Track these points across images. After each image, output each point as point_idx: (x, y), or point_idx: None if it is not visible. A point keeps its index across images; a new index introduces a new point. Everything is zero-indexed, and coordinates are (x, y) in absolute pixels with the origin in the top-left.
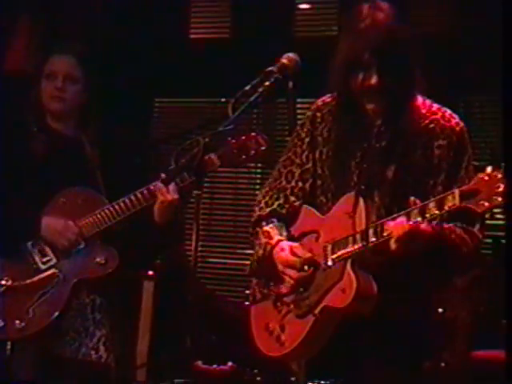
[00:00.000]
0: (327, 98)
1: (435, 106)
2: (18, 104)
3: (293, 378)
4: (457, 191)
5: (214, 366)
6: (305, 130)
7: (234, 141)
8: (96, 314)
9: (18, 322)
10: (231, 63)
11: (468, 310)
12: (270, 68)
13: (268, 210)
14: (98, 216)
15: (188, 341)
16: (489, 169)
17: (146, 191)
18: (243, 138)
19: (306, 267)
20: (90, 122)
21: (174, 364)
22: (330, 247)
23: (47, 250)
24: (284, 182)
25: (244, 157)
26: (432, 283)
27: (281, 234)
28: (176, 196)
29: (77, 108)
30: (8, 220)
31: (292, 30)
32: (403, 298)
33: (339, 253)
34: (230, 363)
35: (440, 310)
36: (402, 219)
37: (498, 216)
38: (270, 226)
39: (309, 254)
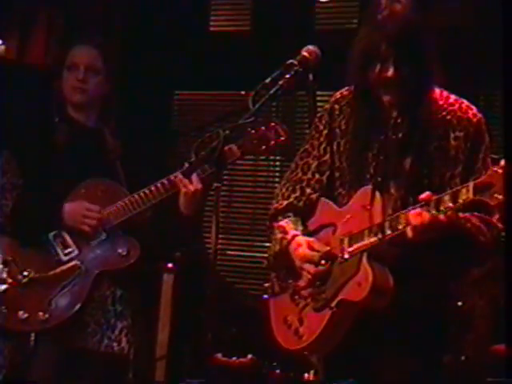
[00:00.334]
0: (345, 90)
1: (452, 97)
2: (39, 95)
3: (312, 371)
4: (471, 184)
5: (234, 358)
6: (323, 122)
7: (253, 131)
8: (117, 306)
9: (41, 313)
10: (251, 56)
11: (486, 301)
12: (290, 61)
13: (285, 203)
14: (119, 206)
15: (208, 333)
16: (502, 162)
17: (166, 181)
18: (263, 128)
19: (323, 261)
20: (112, 114)
21: (193, 357)
22: (346, 240)
23: (69, 241)
24: (300, 174)
25: (264, 147)
26: (449, 274)
27: (296, 229)
28: (200, 186)
29: (98, 99)
30: (29, 211)
31: (312, 23)
32: (420, 290)
33: (356, 246)
34: (249, 356)
35: (460, 303)
36: (418, 210)
37: None
38: (286, 220)
39: (326, 248)
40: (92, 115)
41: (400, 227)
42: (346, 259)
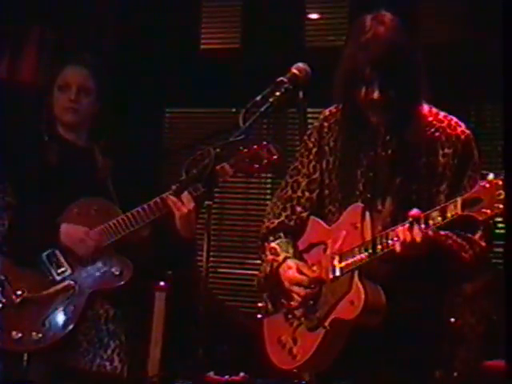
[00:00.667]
0: (334, 108)
1: (442, 114)
2: (29, 114)
3: None
4: (459, 200)
5: (226, 376)
6: (312, 140)
7: (245, 150)
8: (110, 325)
9: (34, 333)
10: (242, 73)
11: (478, 318)
12: (280, 78)
13: (276, 221)
14: (112, 226)
15: (200, 352)
16: (490, 176)
17: (159, 200)
18: (255, 147)
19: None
20: (102, 133)
21: (186, 375)
22: (337, 258)
23: (62, 260)
24: (290, 192)
25: (257, 166)
26: (437, 290)
27: (287, 251)
28: (192, 205)
29: (89, 119)
30: (23, 230)
31: (302, 40)
32: (412, 306)
33: (347, 263)
34: (242, 374)
35: (452, 319)
36: (407, 226)
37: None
38: (277, 242)
39: (315, 274)
40: (82, 134)
41: (390, 244)
42: (338, 277)
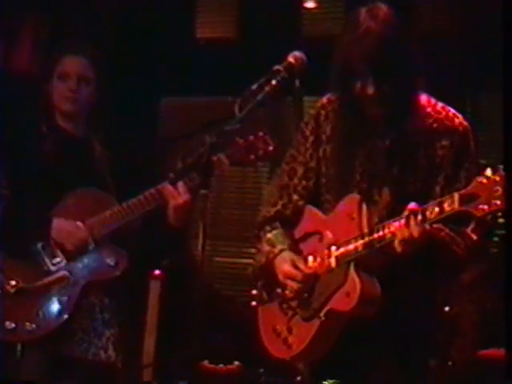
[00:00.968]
0: (332, 96)
1: (440, 104)
2: (26, 104)
3: (299, 378)
4: (456, 195)
5: (221, 365)
6: (309, 127)
7: (242, 140)
8: (105, 314)
9: (28, 324)
10: (238, 62)
11: (474, 307)
12: (276, 67)
13: (273, 210)
14: (108, 216)
15: (195, 340)
16: (488, 172)
17: (155, 191)
18: (251, 137)
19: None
20: (100, 123)
21: (180, 364)
22: (333, 249)
23: (57, 251)
24: (287, 179)
25: (253, 156)
26: (432, 282)
27: (283, 243)
28: (187, 196)
29: (88, 109)
30: (17, 221)
31: (298, 29)
32: (407, 297)
33: (342, 254)
34: (236, 363)
35: (446, 308)
36: (403, 221)
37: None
38: (274, 232)
39: (310, 270)
40: (80, 124)
41: (387, 236)
42: (333, 268)
